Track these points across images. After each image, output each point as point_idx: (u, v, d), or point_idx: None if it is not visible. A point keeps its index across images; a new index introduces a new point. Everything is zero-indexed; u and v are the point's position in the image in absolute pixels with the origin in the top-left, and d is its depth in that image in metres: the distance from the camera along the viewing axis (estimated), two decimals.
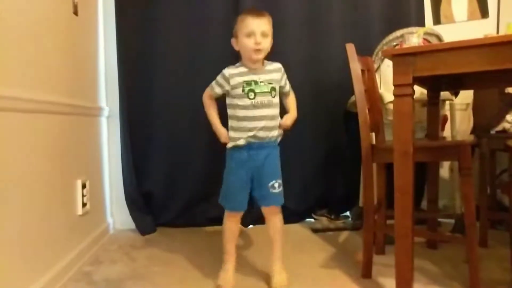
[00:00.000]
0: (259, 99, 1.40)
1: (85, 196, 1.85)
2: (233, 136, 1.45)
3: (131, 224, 2.29)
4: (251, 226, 2.31)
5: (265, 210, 1.51)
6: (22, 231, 1.31)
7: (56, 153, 1.59)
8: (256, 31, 1.37)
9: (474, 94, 2.27)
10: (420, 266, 1.62)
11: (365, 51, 1.84)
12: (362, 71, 1.62)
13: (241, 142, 1.43)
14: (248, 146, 1.44)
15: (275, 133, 1.47)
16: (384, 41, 2.09)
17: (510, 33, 1.33)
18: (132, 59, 2.27)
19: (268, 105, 1.42)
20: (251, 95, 1.40)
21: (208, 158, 2.30)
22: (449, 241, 1.92)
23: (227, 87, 1.44)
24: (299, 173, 2.44)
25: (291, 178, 2.35)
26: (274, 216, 1.51)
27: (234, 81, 1.42)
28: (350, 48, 1.58)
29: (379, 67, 2.10)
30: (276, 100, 1.45)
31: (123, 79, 2.23)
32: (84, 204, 1.83)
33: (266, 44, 1.40)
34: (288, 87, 1.55)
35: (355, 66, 1.57)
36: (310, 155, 2.47)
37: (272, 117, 1.43)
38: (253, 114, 1.41)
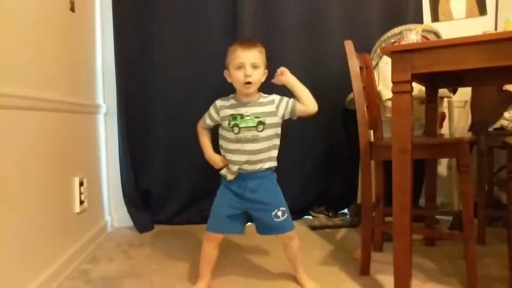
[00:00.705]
0: (243, 134, 1.37)
1: (83, 193, 1.84)
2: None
3: (129, 222, 2.28)
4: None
5: (279, 236, 1.46)
6: (19, 229, 1.30)
7: (53, 151, 1.58)
8: (245, 63, 1.33)
9: (472, 91, 2.27)
10: (418, 263, 1.62)
11: (363, 49, 1.83)
12: (361, 68, 1.61)
13: (230, 177, 1.41)
14: (238, 178, 1.41)
15: (264, 165, 1.40)
16: (382, 38, 2.09)
17: (509, 30, 1.33)
18: (129, 56, 2.26)
19: (253, 140, 1.37)
20: (236, 129, 1.37)
21: None
22: (447, 238, 1.93)
23: (217, 118, 1.43)
24: (297, 171, 2.44)
25: (289, 176, 2.35)
26: (290, 241, 1.46)
27: (223, 113, 1.41)
28: (349, 46, 1.57)
29: (377, 64, 2.10)
30: (264, 134, 1.38)
31: (121, 76, 2.22)
32: (81, 202, 1.83)
33: (257, 76, 1.36)
34: (290, 106, 1.41)
35: (354, 64, 1.57)
36: (308, 152, 2.47)
37: (256, 151, 1.38)
38: (236, 148, 1.38)
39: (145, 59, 2.30)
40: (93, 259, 1.80)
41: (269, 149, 1.41)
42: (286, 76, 1.39)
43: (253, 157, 1.38)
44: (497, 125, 2.08)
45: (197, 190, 2.37)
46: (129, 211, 2.27)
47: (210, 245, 1.46)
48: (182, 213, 2.39)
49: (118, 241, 2.07)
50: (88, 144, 2.06)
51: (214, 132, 1.51)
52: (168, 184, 2.37)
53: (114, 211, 2.35)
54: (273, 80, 1.42)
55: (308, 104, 1.41)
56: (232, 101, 1.42)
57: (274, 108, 1.41)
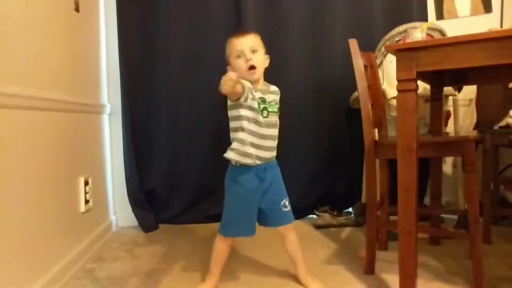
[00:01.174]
0: (270, 118, 1.38)
1: (88, 193, 1.85)
2: (238, 149, 1.35)
3: (134, 221, 2.29)
4: None
5: (280, 229, 1.47)
6: (25, 228, 1.31)
7: (59, 150, 1.59)
8: (244, 49, 1.34)
9: (478, 89, 2.26)
10: (423, 262, 1.62)
11: (367, 47, 1.83)
12: (365, 67, 1.61)
13: (246, 161, 1.35)
14: (256, 168, 1.38)
15: (275, 153, 1.44)
16: (386, 37, 2.08)
17: None
18: (134, 56, 2.26)
19: (275, 125, 1.40)
20: (265, 113, 1.36)
21: (211, 156, 2.30)
22: (453, 237, 1.91)
23: (249, 95, 1.32)
24: (302, 170, 2.43)
25: (294, 174, 2.35)
26: (291, 233, 1.48)
27: (253, 94, 1.33)
28: (353, 44, 1.57)
29: (381, 62, 2.09)
30: (278, 120, 1.43)
31: (125, 76, 2.23)
32: (86, 201, 1.83)
33: (259, 59, 1.35)
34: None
35: (358, 62, 1.56)
36: (313, 151, 2.46)
37: (275, 137, 1.41)
38: (262, 132, 1.36)
39: (150, 59, 2.30)
40: (98, 259, 1.81)
41: (277, 137, 1.44)
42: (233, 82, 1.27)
43: (272, 143, 1.40)
44: (502, 123, 2.07)
45: (201, 189, 2.37)
46: (133, 210, 2.27)
47: (222, 245, 1.46)
48: (187, 213, 2.39)
49: (123, 241, 2.08)
50: (93, 143, 2.07)
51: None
52: (173, 183, 2.37)
53: (119, 211, 2.36)
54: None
55: None
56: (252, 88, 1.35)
57: (278, 98, 1.45)
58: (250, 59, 1.33)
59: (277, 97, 1.44)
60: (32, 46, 1.40)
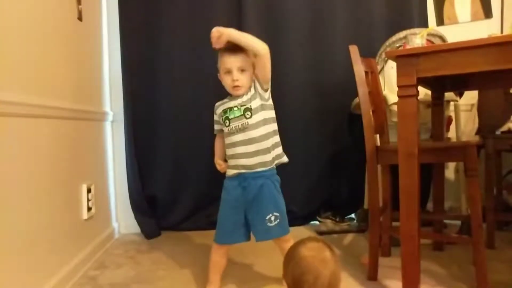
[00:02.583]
0: (233, 125, 1.39)
1: (90, 200, 1.86)
2: (228, 164, 1.47)
3: (136, 228, 2.29)
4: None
5: (275, 240, 1.45)
6: (27, 235, 1.31)
7: (61, 158, 1.60)
8: (232, 68, 1.37)
9: (479, 94, 2.26)
10: (426, 268, 1.61)
11: (368, 53, 1.83)
12: (366, 73, 1.61)
13: (231, 173, 1.43)
14: (240, 176, 1.41)
15: (266, 158, 1.38)
16: (387, 43, 2.09)
17: None
18: (136, 64, 2.28)
19: (243, 129, 1.37)
20: (227, 122, 1.41)
21: (213, 162, 2.29)
22: (456, 243, 1.90)
23: (218, 119, 1.48)
24: (304, 176, 2.43)
25: (296, 181, 2.35)
26: (285, 244, 1.41)
27: (218, 111, 1.46)
28: (354, 50, 1.57)
29: (382, 68, 2.10)
30: (253, 120, 1.37)
31: (127, 83, 2.24)
32: (89, 209, 1.84)
33: (245, 79, 1.38)
34: (255, 76, 1.41)
35: (359, 68, 1.57)
36: (315, 158, 2.46)
37: (250, 141, 1.37)
38: (230, 141, 1.41)
39: (152, 67, 2.32)
40: (101, 266, 1.81)
41: (265, 137, 1.38)
42: (224, 34, 1.33)
43: (247, 148, 1.37)
44: (504, 128, 2.07)
45: (204, 195, 2.37)
46: (136, 217, 2.28)
47: (217, 254, 1.48)
48: (189, 219, 2.39)
49: (126, 248, 2.08)
50: (96, 151, 2.08)
51: None
52: (175, 190, 2.37)
53: (121, 218, 2.36)
54: (215, 46, 1.37)
55: (256, 45, 1.35)
56: (225, 100, 1.46)
57: (253, 91, 1.41)
58: (237, 80, 1.37)
59: (249, 95, 1.39)
60: (36, 54, 1.42)
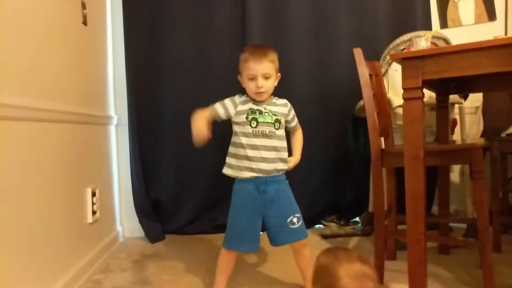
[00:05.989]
0: (260, 128, 1.39)
1: (95, 204, 1.86)
2: (232, 164, 1.42)
3: (141, 232, 2.29)
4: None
5: (294, 244, 1.45)
6: (33, 239, 1.31)
7: (66, 162, 1.60)
8: (257, 75, 1.36)
9: (484, 97, 2.25)
10: (433, 272, 1.60)
11: (372, 56, 1.83)
12: (370, 75, 1.61)
13: (244, 175, 1.39)
14: (256, 180, 1.40)
15: (281, 166, 1.42)
16: (391, 46, 2.09)
17: None
18: (140, 68, 2.29)
19: (269, 136, 1.39)
20: (253, 123, 1.39)
21: (217, 166, 2.28)
22: (462, 246, 1.89)
23: (231, 111, 1.41)
24: (308, 179, 2.43)
25: (300, 184, 2.34)
26: (303, 249, 1.45)
27: (241, 107, 1.42)
28: (358, 53, 1.57)
29: (386, 71, 2.10)
30: (280, 132, 1.42)
31: (132, 87, 2.25)
32: (94, 212, 1.84)
33: (269, 85, 1.39)
34: (295, 122, 1.54)
35: (363, 71, 1.57)
36: (319, 161, 2.46)
37: (272, 148, 1.40)
38: (251, 143, 1.38)
39: (156, 71, 2.32)
40: (106, 269, 1.81)
41: (285, 149, 1.44)
42: (291, 164, 1.50)
43: (269, 154, 1.39)
44: (510, 130, 2.06)
45: (208, 199, 2.37)
46: (140, 221, 2.28)
47: (225, 259, 1.47)
48: (194, 223, 2.39)
49: (130, 251, 2.08)
50: (100, 154, 2.08)
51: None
52: (179, 193, 2.37)
53: (126, 221, 2.36)
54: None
55: (295, 151, 1.56)
56: (248, 99, 1.44)
57: (287, 111, 1.47)
58: (261, 87, 1.37)
59: (280, 109, 1.45)
60: (41, 58, 1.43)
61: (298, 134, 1.58)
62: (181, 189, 2.37)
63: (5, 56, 1.19)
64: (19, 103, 1.23)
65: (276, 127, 1.41)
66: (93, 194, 1.84)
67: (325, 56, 2.42)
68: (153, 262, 1.91)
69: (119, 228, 2.31)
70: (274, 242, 1.45)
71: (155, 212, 2.34)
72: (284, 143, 1.44)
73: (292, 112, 1.50)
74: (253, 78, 1.37)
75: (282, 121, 1.44)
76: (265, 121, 1.40)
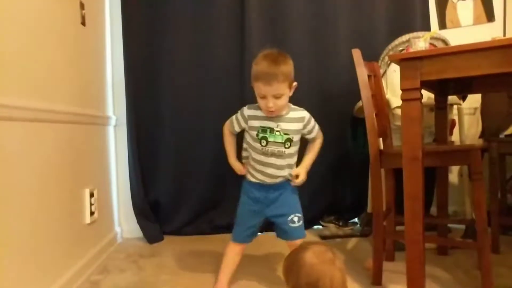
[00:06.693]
0: (270, 148, 1.38)
1: (93, 204, 1.85)
2: (249, 171, 1.47)
3: (139, 233, 2.28)
4: (259, 234, 2.29)
5: (288, 243, 1.48)
6: (30, 239, 1.31)
7: (64, 162, 1.60)
8: (267, 96, 1.32)
9: (482, 98, 2.25)
10: (431, 273, 1.60)
11: (371, 57, 1.83)
12: (369, 76, 1.61)
13: (252, 179, 1.45)
14: (260, 184, 1.44)
15: (279, 180, 1.44)
16: (390, 46, 2.09)
17: None
18: (139, 69, 2.28)
19: (278, 155, 1.40)
20: (263, 142, 1.38)
21: (216, 167, 2.30)
22: (461, 247, 1.89)
23: (245, 126, 1.44)
24: (307, 180, 2.41)
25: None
26: None
27: (252, 123, 1.41)
28: (356, 54, 1.57)
29: (385, 72, 2.10)
30: (290, 151, 1.41)
31: (130, 88, 2.24)
32: (92, 213, 1.84)
33: (281, 103, 1.34)
34: (314, 134, 1.49)
35: (362, 72, 1.57)
36: (317, 162, 2.42)
37: (280, 167, 1.41)
38: (261, 159, 1.41)
39: (154, 71, 2.32)
40: (104, 270, 1.80)
41: (290, 166, 1.45)
42: (302, 176, 1.46)
43: (276, 172, 1.42)
44: (508, 131, 2.06)
45: (206, 200, 2.37)
46: (139, 222, 2.27)
47: (233, 251, 1.51)
48: (192, 224, 2.38)
49: (128, 252, 2.07)
50: (98, 155, 2.08)
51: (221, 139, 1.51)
52: (178, 194, 2.37)
53: (124, 222, 2.36)
54: (292, 184, 1.47)
55: (306, 158, 1.54)
56: (259, 113, 1.41)
57: (302, 127, 1.44)
58: (271, 106, 1.33)
59: (294, 126, 1.41)
60: (39, 59, 1.42)
61: (314, 144, 1.53)
62: (180, 190, 2.36)
63: (3, 57, 1.19)
64: (16, 104, 1.23)
65: (287, 146, 1.40)
66: (91, 195, 1.84)
67: (324, 56, 2.42)
68: (152, 263, 1.90)
69: (117, 228, 2.31)
70: (278, 236, 1.53)
71: (154, 212, 2.34)
72: (293, 160, 1.45)
73: (309, 126, 1.45)
74: (263, 97, 1.34)
75: (294, 138, 1.41)
76: (275, 140, 1.38)
